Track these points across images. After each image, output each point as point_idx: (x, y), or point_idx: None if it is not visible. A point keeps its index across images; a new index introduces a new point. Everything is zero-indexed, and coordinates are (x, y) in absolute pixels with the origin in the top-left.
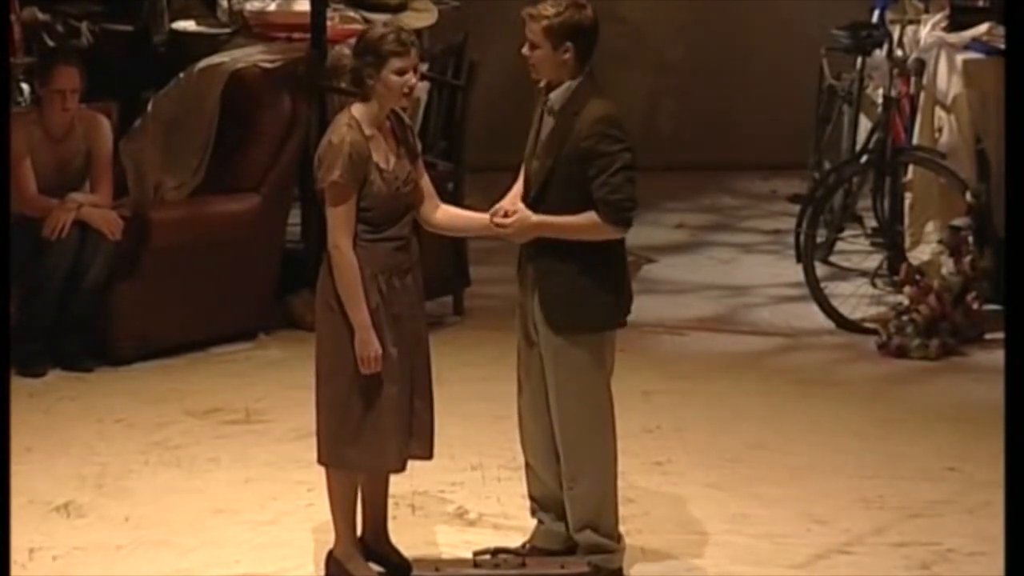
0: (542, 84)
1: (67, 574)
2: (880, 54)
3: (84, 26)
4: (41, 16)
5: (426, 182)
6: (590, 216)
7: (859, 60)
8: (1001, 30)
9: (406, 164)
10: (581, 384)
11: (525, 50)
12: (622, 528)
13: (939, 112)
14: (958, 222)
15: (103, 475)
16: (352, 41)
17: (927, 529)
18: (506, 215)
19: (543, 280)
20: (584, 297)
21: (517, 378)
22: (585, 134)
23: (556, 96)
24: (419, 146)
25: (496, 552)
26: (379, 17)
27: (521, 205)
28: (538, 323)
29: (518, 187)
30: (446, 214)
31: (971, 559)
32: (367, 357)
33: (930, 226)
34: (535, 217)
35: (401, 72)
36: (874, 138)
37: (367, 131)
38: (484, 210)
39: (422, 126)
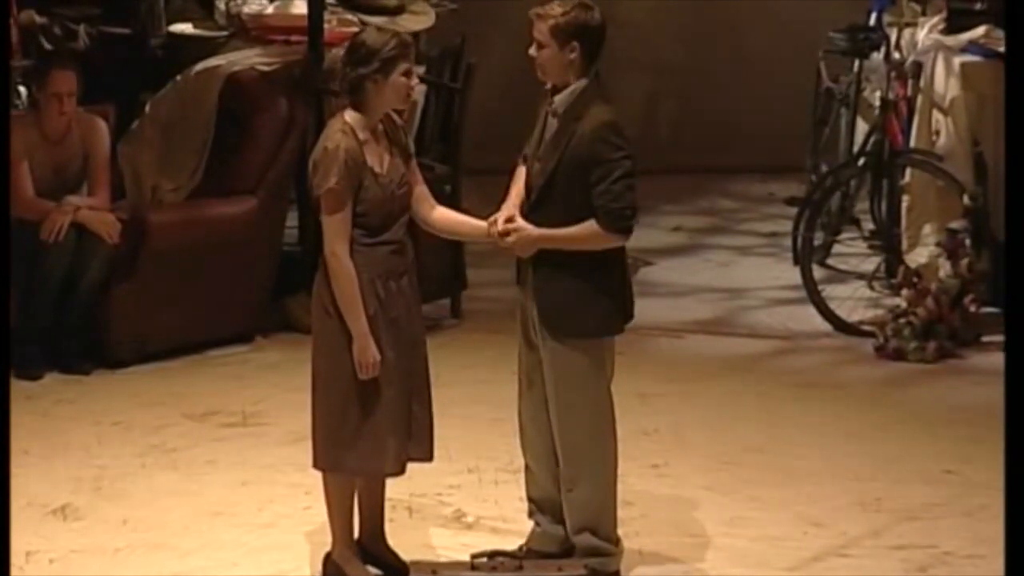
0: (548, 86)
1: None
2: (878, 57)
3: (81, 29)
4: (38, 19)
5: (420, 183)
6: (590, 226)
7: (856, 63)
8: (998, 33)
9: (400, 165)
10: (581, 389)
11: (532, 51)
12: (619, 531)
13: (936, 115)
14: (955, 225)
15: (100, 478)
16: (346, 49)
17: (924, 532)
18: (507, 232)
19: (542, 287)
20: (583, 304)
21: (518, 380)
22: (586, 140)
23: (560, 99)
24: (412, 147)
25: (493, 555)
26: (376, 20)
27: (521, 220)
28: (538, 328)
29: (515, 193)
30: (444, 217)
31: (968, 562)
32: (366, 363)
33: (927, 229)
34: (536, 232)
35: (407, 74)
36: (871, 141)
37: (361, 136)
38: (481, 214)
39: (419, 129)
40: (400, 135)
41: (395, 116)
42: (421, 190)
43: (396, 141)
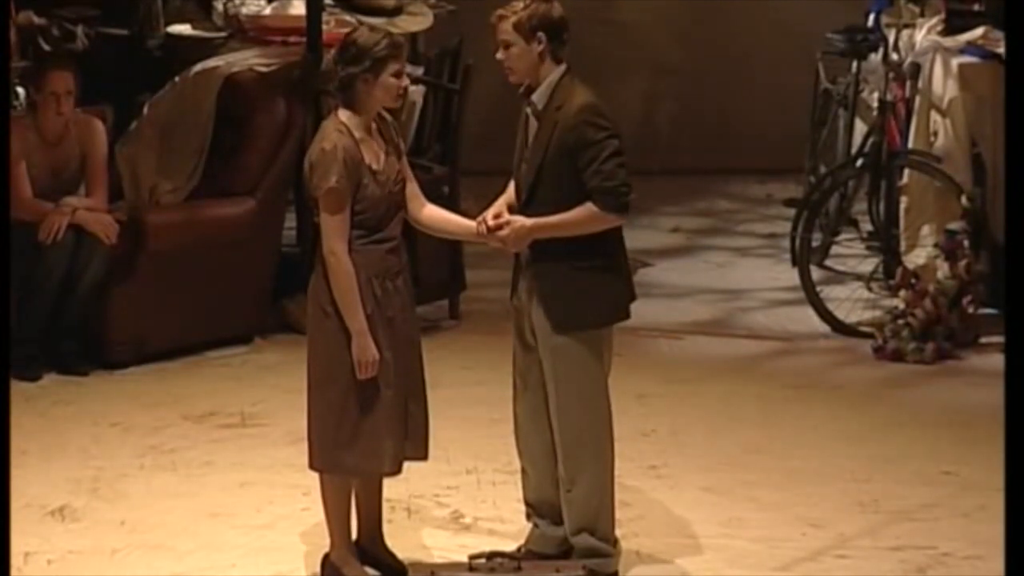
0: (522, 90)
1: None
2: (876, 58)
3: (79, 30)
4: (37, 20)
5: (412, 180)
6: (587, 208)
7: (855, 64)
8: (997, 34)
9: (394, 162)
10: (581, 385)
11: (499, 54)
12: (617, 532)
13: (935, 116)
14: (954, 226)
15: (99, 479)
16: (338, 47)
17: (923, 533)
18: (498, 227)
19: (542, 281)
20: (587, 293)
21: (513, 383)
22: (570, 125)
23: (538, 96)
24: (403, 144)
25: (491, 556)
26: (375, 21)
27: (507, 214)
28: (537, 326)
29: (503, 197)
30: (433, 215)
31: (967, 563)
32: (365, 362)
33: (926, 230)
34: (530, 222)
35: (398, 75)
36: (870, 142)
37: (357, 134)
38: (478, 214)
39: (417, 130)
40: (391, 132)
41: (386, 113)
42: (412, 188)
43: (390, 139)
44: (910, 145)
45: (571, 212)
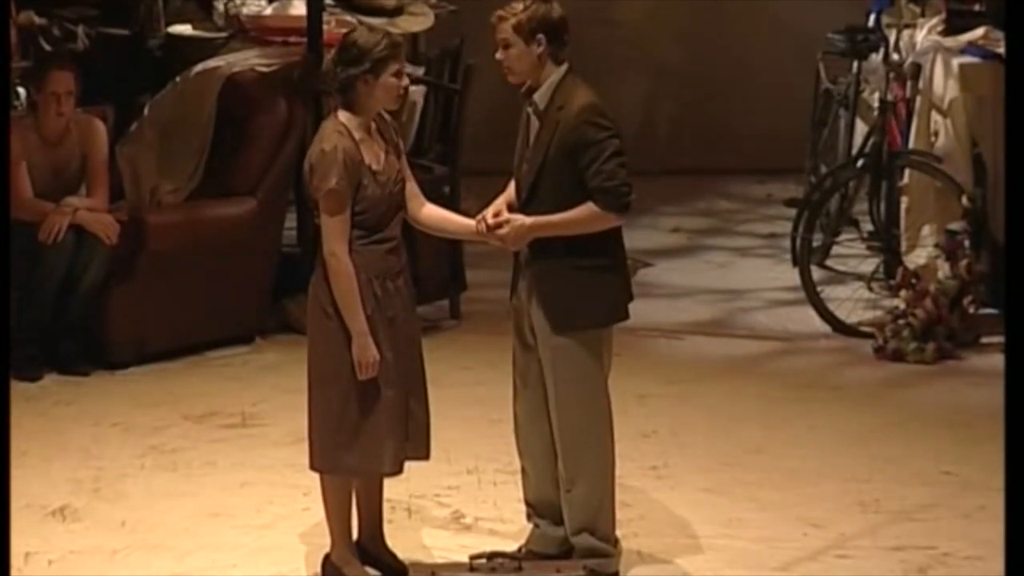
0: (523, 89)
1: None
2: (876, 58)
3: (80, 30)
4: (37, 20)
5: (411, 180)
6: (588, 207)
7: (855, 64)
8: (997, 34)
9: (394, 162)
10: (581, 385)
11: (499, 54)
12: (618, 532)
13: (935, 116)
14: (954, 226)
15: (99, 479)
16: (337, 48)
17: (923, 533)
18: (497, 225)
19: (542, 281)
20: (587, 294)
21: (512, 383)
22: (571, 125)
23: (539, 96)
24: (403, 144)
25: (492, 556)
26: (375, 21)
27: (507, 212)
28: (537, 326)
29: (503, 196)
30: (433, 214)
31: (968, 563)
32: (366, 363)
33: (926, 230)
34: (530, 220)
35: (398, 75)
36: (870, 142)
37: (357, 135)
38: (478, 214)
39: (418, 130)
40: (391, 132)
41: (385, 114)
42: (412, 187)
43: (389, 139)
44: (911, 145)
45: (572, 211)
